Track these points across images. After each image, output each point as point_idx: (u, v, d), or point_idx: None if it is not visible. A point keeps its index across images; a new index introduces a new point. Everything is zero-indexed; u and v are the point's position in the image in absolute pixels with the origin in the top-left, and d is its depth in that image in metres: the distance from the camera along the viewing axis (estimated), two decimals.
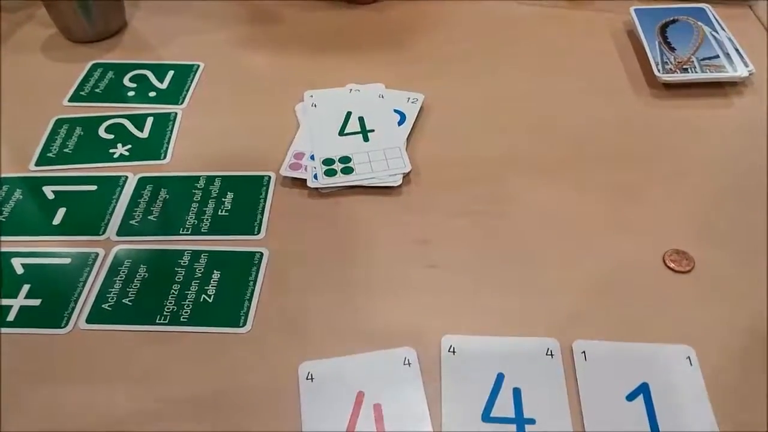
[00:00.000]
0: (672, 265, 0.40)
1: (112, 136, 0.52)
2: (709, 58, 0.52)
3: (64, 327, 0.39)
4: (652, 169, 0.47)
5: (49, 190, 0.47)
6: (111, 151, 0.50)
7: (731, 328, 0.37)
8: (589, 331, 0.37)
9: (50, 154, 0.50)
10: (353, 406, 0.34)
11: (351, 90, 0.54)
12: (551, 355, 0.36)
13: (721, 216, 0.43)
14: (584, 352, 0.36)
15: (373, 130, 0.50)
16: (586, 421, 0.33)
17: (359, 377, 0.36)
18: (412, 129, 0.50)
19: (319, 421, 0.34)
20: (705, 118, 0.50)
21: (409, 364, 0.36)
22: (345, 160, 0.47)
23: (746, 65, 0.52)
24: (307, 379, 0.36)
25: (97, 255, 0.43)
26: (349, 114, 0.51)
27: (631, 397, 0.34)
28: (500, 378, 0.35)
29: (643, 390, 0.34)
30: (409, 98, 0.53)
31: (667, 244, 0.42)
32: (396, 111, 0.52)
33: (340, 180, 0.46)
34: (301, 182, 0.47)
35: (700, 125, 0.50)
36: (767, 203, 0.44)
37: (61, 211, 0.46)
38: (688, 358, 0.36)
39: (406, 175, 0.47)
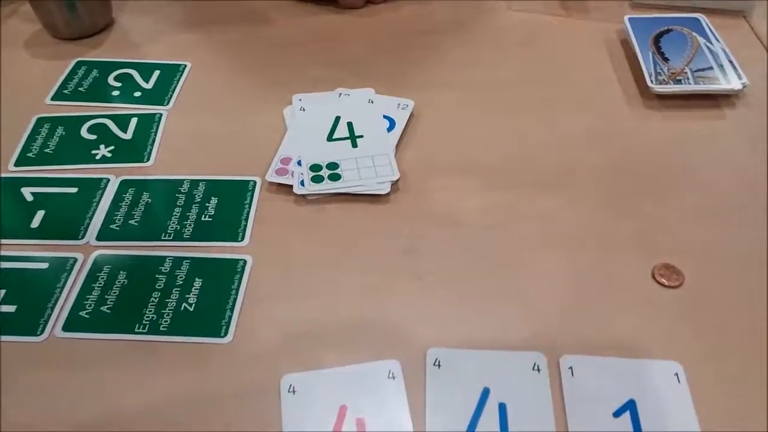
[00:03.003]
0: (661, 279, 0.39)
1: (94, 137, 0.50)
2: (703, 70, 0.52)
3: (40, 335, 0.38)
4: (643, 182, 0.46)
5: (27, 192, 0.46)
6: (93, 152, 0.49)
7: (720, 345, 0.37)
8: (577, 345, 0.37)
9: (30, 154, 0.49)
10: (336, 420, 0.34)
11: (340, 94, 0.53)
12: (538, 369, 0.35)
13: (713, 230, 0.43)
14: (571, 367, 0.35)
15: (362, 136, 0.49)
16: None
17: (342, 390, 0.35)
18: (401, 135, 0.50)
19: None
20: (697, 130, 0.50)
21: (393, 377, 0.35)
22: (332, 166, 0.47)
23: (740, 77, 0.51)
24: (289, 391, 0.35)
25: (75, 260, 0.42)
26: (338, 119, 0.50)
27: (618, 413, 0.34)
28: (486, 392, 0.34)
29: (630, 407, 0.34)
30: (399, 104, 0.52)
31: (656, 258, 0.41)
32: (385, 117, 0.51)
33: (327, 187, 0.45)
34: (287, 188, 0.46)
35: (693, 137, 0.49)
36: (766, 219, 0.43)
37: (40, 214, 0.45)
38: (676, 374, 0.35)
39: (394, 183, 0.46)
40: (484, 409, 0.33)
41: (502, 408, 0.34)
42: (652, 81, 0.51)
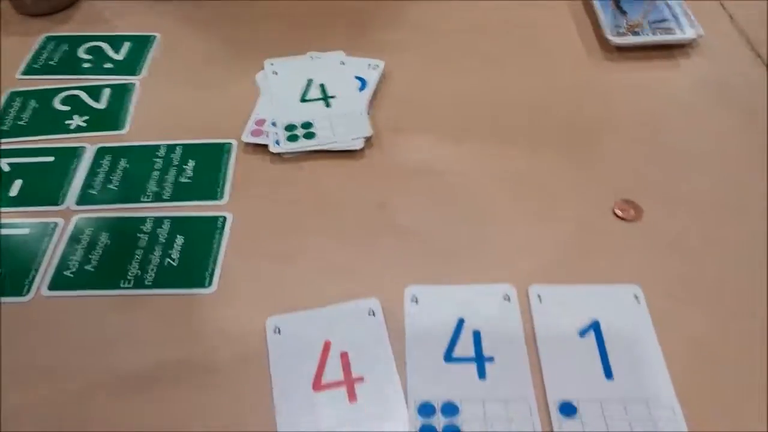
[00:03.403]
0: (620, 213, 0.42)
1: (68, 108, 0.51)
2: (660, 21, 0.54)
3: (26, 295, 0.39)
4: (603, 128, 0.48)
5: (4, 163, 0.47)
6: (67, 122, 0.50)
7: (676, 270, 0.39)
8: (544, 277, 0.39)
9: (4, 127, 0.49)
10: (320, 355, 0.35)
11: (312, 57, 0.54)
12: (508, 299, 0.37)
13: (670, 169, 0.45)
14: (539, 295, 0.37)
15: (334, 96, 0.50)
16: (541, 356, 0.35)
17: (325, 328, 0.36)
18: (373, 95, 0.51)
19: (287, 372, 0.35)
20: (654, 78, 0.52)
21: (373, 314, 0.37)
22: (307, 125, 0.48)
23: (694, 27, 0.53)
24: (274, 332, 0.36)
25: (56, 224, 0.42)
26: (310, 81, 0.52)
27: (582, 333, 0.36)
28: (461, 322, 0.36)
29: (594, 326, 0.36)
30: (369, 65, 0.53)
31: (616, 196, 0.43)
32: (357, 78, 0.52)
33: (302, 145, 0.46)
34: (263, 148, 0.47)
35: (650, 86, 0.52)
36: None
37: (18, 183, 0.45)
38: (636, 296, 0.37)
39: (367, 140, 0.47)
40: (459, 337, 0.35)
41: (477, 335, 0.35)
42: (611, 33, 0.53)
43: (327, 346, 0.35)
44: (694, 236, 0.41)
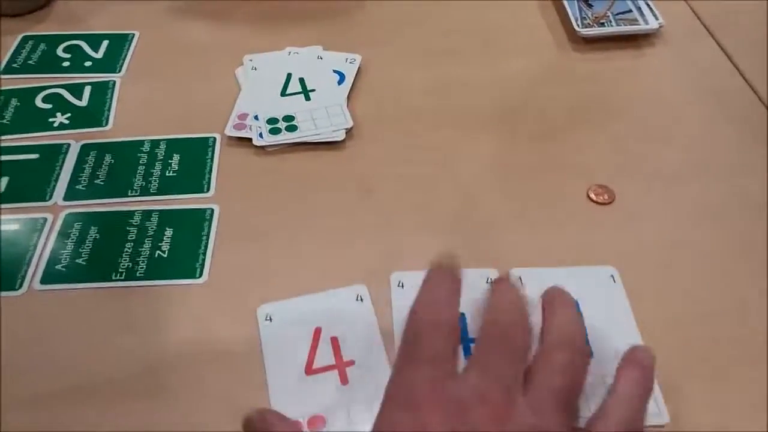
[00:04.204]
0: (594, 197, 0.44)
1: (50, 106, 0.51)
2: (623, 13, 0.57)
3: (19, 289, 0.39)
4: (575, 117, 0.51)
5: None
6: (50, 120, 0.50)
7: (648, 250, 0.42)
8: (524, 260, 0.41)
9: None
10: (312, 341, 0.37)
11: (290, 53, 0.55)
12: (490, 282, 0.39)
13: (640, 153, 0.48)
14: (520, 277, 0.39)
15: (314, 90, 0.52)
16: None
17: (316, 314, 0.38)
18: (351, 88, 0.52)
19: (280, 358, 0.36)
20: (621, 67, 0.55)
21: (361, 300, 0.38)
22: (289, 118, 0.49)
23: (656, 18, 0.56)
24: (266, 320, 0.38)
25: (45, 220, 0.43)
26: (289, 75, 0.53)
27: None
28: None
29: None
30: (347, 59, 0.54)
31: (590, 181, 0.45)
32: (335, 71, 0.53)
33: (285, 137, 0.48)
34: (247, 142, 0.48)
35: (618, 74, 0.54)
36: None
37: (4, 180, 0.46)
38: (612, 276, 0.40)
39: (348, 131, 0.49)
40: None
41: (462, 316, 0.37)
42: (578, 25, 0.55)
43: (318, 332, 0.37)
44: (668, 216, 0.44)
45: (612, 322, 0.37)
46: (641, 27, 0.56)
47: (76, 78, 0.54)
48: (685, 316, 0.38)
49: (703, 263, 0.41)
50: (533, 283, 0.39)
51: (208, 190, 0.45)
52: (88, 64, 0.55)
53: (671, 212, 0.44)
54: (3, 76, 0.54)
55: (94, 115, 0.50)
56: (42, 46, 0.57)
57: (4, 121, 0.50)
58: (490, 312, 0.31)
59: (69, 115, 0.50)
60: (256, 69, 0.54)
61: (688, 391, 0.35)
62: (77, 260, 0.41)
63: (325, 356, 0.36)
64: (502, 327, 0.30)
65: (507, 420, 0.26)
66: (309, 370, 0.36)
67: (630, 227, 0.43)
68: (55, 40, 0.57)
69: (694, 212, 0.44)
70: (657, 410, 0.34)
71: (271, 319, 0.38)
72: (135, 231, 0.42)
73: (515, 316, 0.30)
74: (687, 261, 0.41)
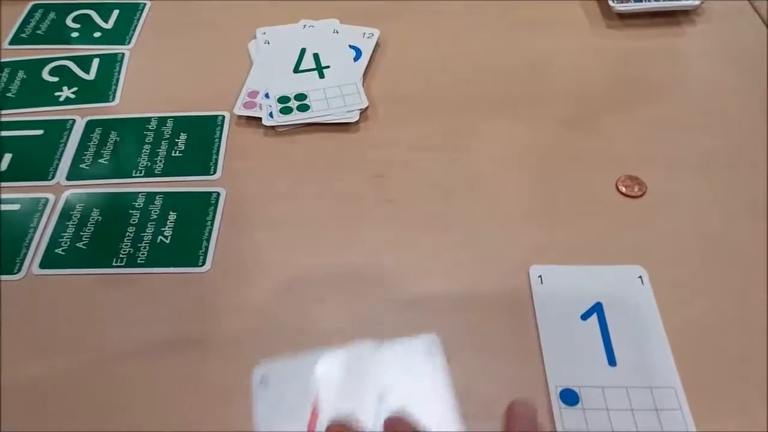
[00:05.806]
0: (624, 190, 0.41)
1: (56, 79, 0.50)
2: None
3: (17, 273, 0.38)
4: (606, 99, 0.47)
5: None
6: (56, 94, 0.48)
7: (680, 249, 0.39)
8: (545, 256, 0.38)
9: None
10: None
11: (305, 26, 0.52)
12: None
13: (676, 141, 0.44)
14: (540, 276, 0.37)
15: (328, 67, 0.49)
16: (542, 340, 0.34)
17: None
18: (368, 65, 0.50)
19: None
20: (659, 46, 0.51)
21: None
22: (301, 97, 0.47)
23: None
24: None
25: (47, 200, 0.42)
26: (303, 51, 0.50)
27: (585, 316, 0.35)
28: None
29: (597, 309, 0.35)
30: (364, 33, 0.51)
31: (620, 171, 0.42)
32: (351, 47, 0.51)
33: (296, 117, 0.45)
34: (256, 121, 0.46)
35: (655, 54, 0.50)
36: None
37: (7, 157, 0.44)
38: (640, 277, 0.37)
39: (363, 111, 0.46)
40: None
41: None
42: (613, 0, 0.51)
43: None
44: (703, 212, 0.40)
45: (638, 329, 0.35)
46: (681, 2, 0.52)
47: (85, 50, 0.52)
48: (720, 324, 0.35)
49: (741, 264, 0.38)
50: (554, 281, 0.37)
51: (214, 172, 0.43)
52: (97, 35, 0.53)
53: (707, 207, 0.41)
54: (11, 47, 0.53)
55: (101, 89, 0.49)
56: (52, 15, 0.55)
57: (10, 94, 0.48)
58: None
59: (75, 89, 0.49)
60: (268, 43, 0.51)
61: (717, 405, 0.32)
62: (77, 244, 0.39)
63: None
64: None
65: None
66: None
67: (662, 223, 0.40)
68: (65, 9, 0.56)
69: (733, 208, 0.40)
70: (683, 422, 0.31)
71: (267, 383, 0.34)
72: (138, 214, 0.41)
73: None
74: (723, 262, 0.38)
